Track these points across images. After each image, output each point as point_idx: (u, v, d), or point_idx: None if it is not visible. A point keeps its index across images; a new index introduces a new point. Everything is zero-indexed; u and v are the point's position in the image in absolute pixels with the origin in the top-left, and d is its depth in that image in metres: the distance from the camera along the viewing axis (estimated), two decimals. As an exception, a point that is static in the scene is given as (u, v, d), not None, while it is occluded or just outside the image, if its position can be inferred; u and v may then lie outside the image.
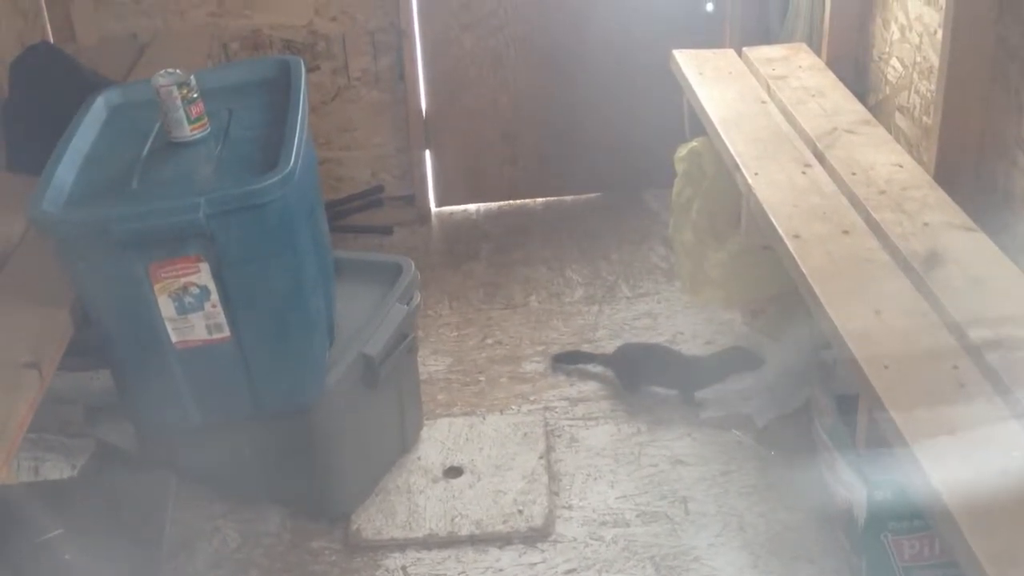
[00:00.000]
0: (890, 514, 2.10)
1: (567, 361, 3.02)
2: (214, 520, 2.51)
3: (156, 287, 2.03)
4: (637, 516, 2.47)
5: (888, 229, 2.19)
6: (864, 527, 2.13)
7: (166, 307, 2.05)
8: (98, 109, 2.32)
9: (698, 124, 3.00)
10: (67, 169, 2.10)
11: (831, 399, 2.27)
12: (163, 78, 2.14)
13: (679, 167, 3.03)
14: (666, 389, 2.84)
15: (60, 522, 1.25)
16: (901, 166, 2.46)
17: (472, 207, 3.97)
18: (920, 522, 2.06)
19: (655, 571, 2.31)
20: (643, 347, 3.00)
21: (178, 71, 2.17)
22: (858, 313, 1.94)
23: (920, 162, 2.49)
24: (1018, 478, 1.52)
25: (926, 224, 2.19)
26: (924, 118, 2.57)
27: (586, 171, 3.90)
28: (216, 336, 2.11)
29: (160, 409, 2.25)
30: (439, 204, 3.95)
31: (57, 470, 2.36)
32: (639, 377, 2.86)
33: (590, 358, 3.00)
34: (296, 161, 2.03)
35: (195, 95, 2.18)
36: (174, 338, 2.10)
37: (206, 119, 2.21)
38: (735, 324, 3.13)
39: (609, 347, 3.09)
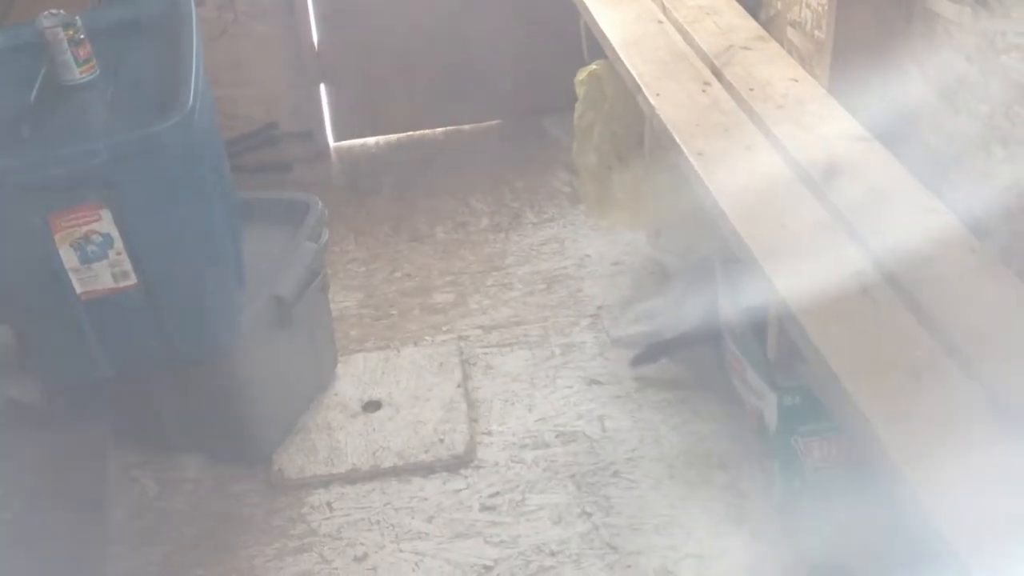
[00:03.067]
0: (800, 418, 2.18)
1: (649, 360, 2.70)
2: (129, 470, 2.48)
3: (56, 237, 1.97)
4: (556, 437, 2.52)
5: (787, 143, 2.23)
6: (775, 432, 2.21)
7: (68, 257, 2.00)
8: (-23, 55, 2.21)
9: (596, 47, 2.99)
10: (-49, 120, 2.01)
11: (739, 311, 2.34)
12: (47, 19, 2.07)
13: (579, 91, 3.04)
14: None
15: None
16: (796, 80, 2.50)
17: (372, 140, 3.93)
18: (828, 424, 2.15)
19: (576, 488, 2.37)
20: None
21: (62, 12, 2.08)
22: (764, 227, 1.98)
23: (813, 75, 2.53)
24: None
25: (823, 137, 2.25)
26: (816, 32, 2.61)
27: (485, 99, 3.88)
28: (123, 284, 2.06)
29: (68, 362, 2.19)
30: (337, 139, 3.90)
31: (-37, 430, 2.30)
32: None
33: (674, 345, 2.66)
34: (195, 100, 1.98)
35: (81, 36, 2.10)
36: (79, 288, 2.05)
37: (94, 61, 2.14)
38: (639, 244, 3.18)
39: (520, 272, 3.11)
